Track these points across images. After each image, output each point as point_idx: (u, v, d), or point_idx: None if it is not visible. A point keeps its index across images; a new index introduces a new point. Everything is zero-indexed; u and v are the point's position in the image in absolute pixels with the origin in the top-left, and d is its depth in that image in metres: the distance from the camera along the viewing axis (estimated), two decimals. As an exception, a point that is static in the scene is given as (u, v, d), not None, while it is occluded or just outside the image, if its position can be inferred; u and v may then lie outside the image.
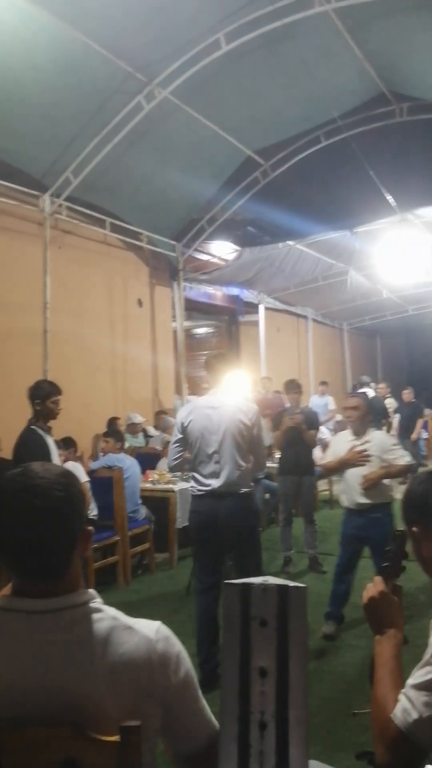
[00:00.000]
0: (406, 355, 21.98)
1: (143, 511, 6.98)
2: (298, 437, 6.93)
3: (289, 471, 7.06)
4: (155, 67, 6.94)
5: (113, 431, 7.46)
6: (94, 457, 8.18)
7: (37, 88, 6.45)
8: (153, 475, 7.48)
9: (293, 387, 7.44)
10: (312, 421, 7.24)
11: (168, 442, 5.33)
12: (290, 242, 11.01)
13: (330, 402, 12.43)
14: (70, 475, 1.50)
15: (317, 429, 7.48)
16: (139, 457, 7.54)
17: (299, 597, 1.21)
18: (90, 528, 1.54)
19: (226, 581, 1.22)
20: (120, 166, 7.94)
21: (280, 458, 7.35)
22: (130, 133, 7.34)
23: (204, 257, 11.27)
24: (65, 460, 6.03)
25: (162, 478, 7.36)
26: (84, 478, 6.16)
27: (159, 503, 7.12)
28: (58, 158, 7.47)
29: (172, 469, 4.89)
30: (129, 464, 6.82)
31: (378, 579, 1.79)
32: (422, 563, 1.78)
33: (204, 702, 1.52)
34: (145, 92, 7.11)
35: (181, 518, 7.03)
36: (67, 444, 6.46)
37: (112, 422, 8.53)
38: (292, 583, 1.22)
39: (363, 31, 7.24)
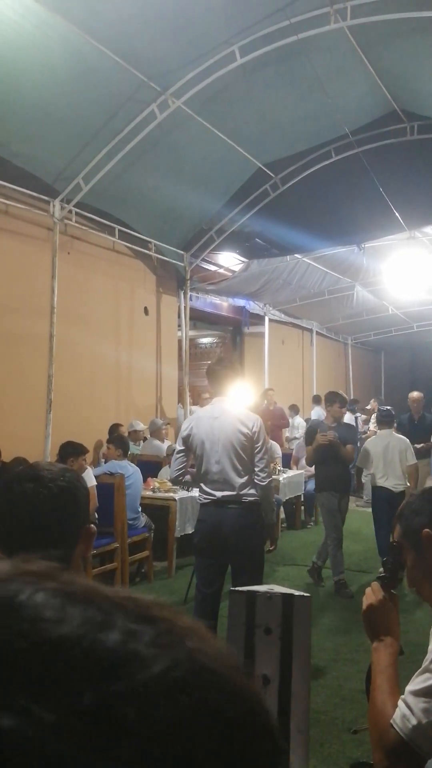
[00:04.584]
0: (410, 371, 21.99)
1: (143, 519, 6.98)
2: (334, 454, 6.61)
3: (329, 487, 6.76)
4: (169, 76, 6.98)
5: (117, 438, 7.43)
6: (96, 463, 8.18)
7: (50, 94, 6.49)
8: (154, 483, 7.47)
9: (335, 399, 6.93)
10: (348, 436, 6.88)
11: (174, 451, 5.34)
12: (298, 255, 11.04)
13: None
14: (73, 471, 1.54)
15: (354, 444, 7.07)
16: (140, 464, 7.53)
17: (304, 606, 1.21)
18: (92, 526, 1.55)
19: (232, 588, 1.22)
20: (131, 173, 7.98)
21: (316, 475, 7.05)
22: (142, 142, 7.37)
23: (211, 268, 11.30)
24: (79, 467, 5.98)
25: (163, 487, 7.36)
26: (92, 482, 6.17)
27: (159, 511, 7.11)
28: (69, 164, 7.50)
29: (173, 482, 4.86)
30: (131, 472, 6.81)
31: (376, 586, 1.81)
32: (425, 572, 1.79)
33: None
34: (158, 101, 7.15)
35: (181, 527, 7.03)
36: (77, 450, 6.31)
37: (115, 429, 8.53)
38: (297, 592, 1.23)
39: (377, 49, 7.29)
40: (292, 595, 1.25)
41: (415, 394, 9.39)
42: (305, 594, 1.25)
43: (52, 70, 6.25)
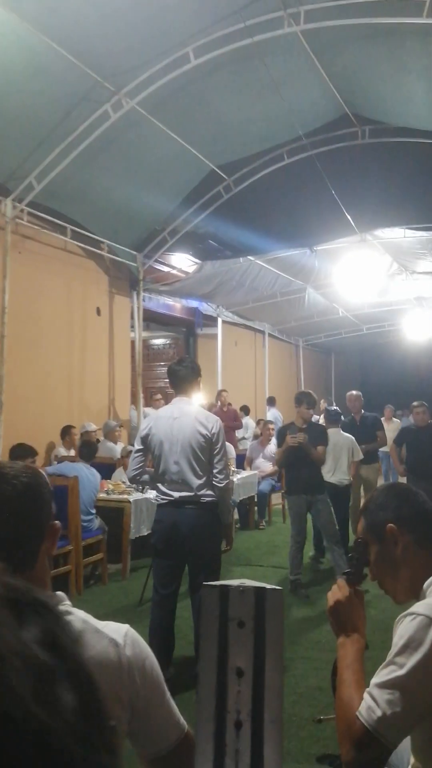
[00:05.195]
0: (359, 373, 22.34)
1: (97, 521, 6.92)
2: (304, 456, 6.50)
3: (297, 490, 6.64)
4: (123, 76, 6.96)
5: (84, 444, 7.34)
6: (48, 464, 8.09)
7: (3, 91, 6.41)
8: (108, 485, 7.41)
9: (303, 400, 6.79)
10: (320, 438, 6.73)
11: (129, 452, 5.31)
12: (250, 257, 11.10)
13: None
14: (35, 469, 1.53)
15: (325, 445, 6.86)
16: (94, 466, 7.45)
17: (276, 599, 1.23)
18: (57, 523, 1.55)
19: (205, 582, 1.23)
20: (84, 173, 7.92)
21: (286, 477, 6.97)
22: (95, 142, 7.33)
23: (164, 268, 11.29)
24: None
25: (117, 488, 7.31)
26: None
27: (113, 513, 7.06)
28: (21, 163, 7.42)
29: (131, 480, 4.82)
30: (85, 473, 6.74)
31: (342, 582, 1.84)
32: (389, 566, 1.83)
33: (172, 703, 1.52)
34: (112, 101, 7.11)
35: (136, 529, 6.99)
36: (27, 452, 6.25)
37: (67, 430, 8.46)
38: (269, 586, 1.24)
39: (329, 54, 7.38)
40: (264, 588, 1.26)
41: (353, 393, 8.84)
42: (277, 587, 1.27)
43: (4, 68, 6.18)
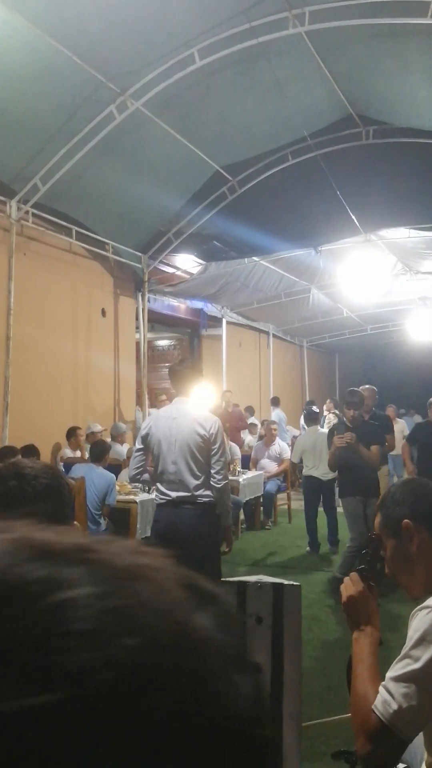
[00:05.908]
0: (363, 373, 22.24)
1: (103, 523, 6.91)
2: (355, 456, 6.19)
3: (351, 492, 6.33)
4: (128, 78, 6.97)
5: (94, 444, 7.35)
6: (54, 464, 8.10)
7: (8, 93, 6.42)
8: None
9: (345, 398, 6.63)
10: (373, 435, 6.42)
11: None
12: (255, 258, 11.10)
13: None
14: (55, 469, 1.53)
15: (382, 444, 6.55)
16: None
17: (294, 595, 1.23)
18: (75, 524, 1.55)
19: (222, 578, 1.23)
20: (89, 175, 7.93)
21: (339, 479, 6.76)
22: (100, 143, 7.33)
23: (169, 270, 11.29)
24: None
25: (123, 489, 7.31)
26: None
27: (120, 514, 7.06)
28: (26, 164, 7.42)
29: (132, 479, 4.82)
30: (90, 475, 6.71)
31: (355, 577, 1.84)
32: (404, 561, 1.84)
33: None
34: (117, 103, 7.12)
35: (142, 529, 6.99)
36: (30, 452, 6.33)
37: (72, 432, 8.46)
38: (287, 581, 1.25)
39: (334, 55, 7.38)
40: (282, 584, 1.27)
41: (365, 388, 7.94)
42: (295, 583, 1.27)
43: (9, 69, 6.19)
